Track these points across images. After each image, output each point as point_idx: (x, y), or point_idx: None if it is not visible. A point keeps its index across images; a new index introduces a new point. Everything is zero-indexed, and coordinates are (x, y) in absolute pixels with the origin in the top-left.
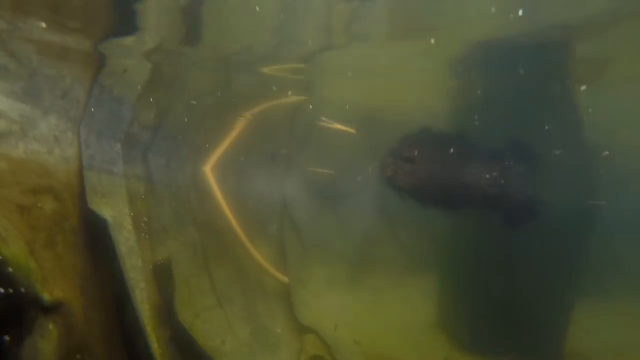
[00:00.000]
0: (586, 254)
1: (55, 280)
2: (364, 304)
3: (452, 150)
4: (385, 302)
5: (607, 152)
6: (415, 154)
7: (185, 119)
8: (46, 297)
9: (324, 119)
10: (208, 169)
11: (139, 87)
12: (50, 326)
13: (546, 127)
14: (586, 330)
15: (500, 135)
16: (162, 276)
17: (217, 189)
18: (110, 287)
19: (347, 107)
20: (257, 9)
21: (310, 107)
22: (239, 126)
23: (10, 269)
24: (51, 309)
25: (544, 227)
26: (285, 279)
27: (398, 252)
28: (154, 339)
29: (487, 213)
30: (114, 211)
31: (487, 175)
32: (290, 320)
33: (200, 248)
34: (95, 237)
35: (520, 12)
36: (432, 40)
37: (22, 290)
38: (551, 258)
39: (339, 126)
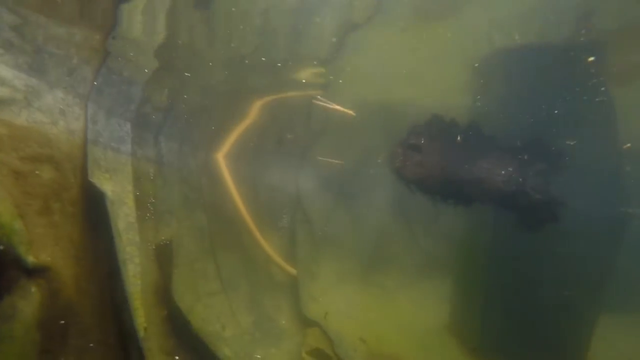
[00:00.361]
0: (612, 264)
1: (45, 246)
2: (374, 302)
3: (465, 142)
4: (396, 302)
5: (629, 145)
6: (422, 141)
7: (199, 104)
8: (30, 259)
9: (320, 97)
10: (220, 156)
11: (150, 68)
12: (33, 289)
13: (574, 126)
14: (610, 344)
15: (521, 131)
16: (164, 256)
17: (229, 177)
18: (107, 262)
19: (364, 99)
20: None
21: (319, 96)
22: (253, 114)
23: None
24: (35, 272)
25: (565, 231)
26: (293, 271)
27: (413, 250)
28: (142, 314)
29: (502, 212)
30: (115, 187)
31: (503, 171)
32: (296, 313)
33: (207, 234)
34: (96, 211)
35: None
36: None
37: (1, 247)
38: (572, 265)
39: (337, 107)
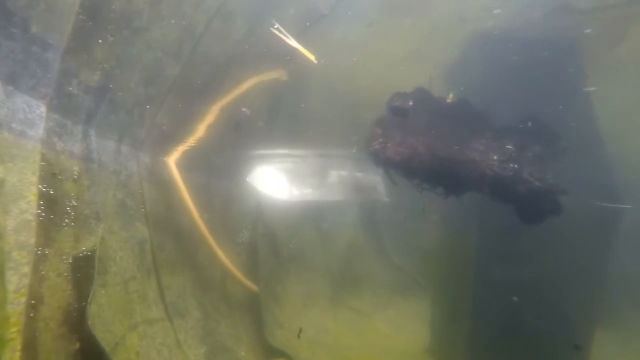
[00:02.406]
0: (608, 271)
1: None
2: (347, 326)
3: (454, 117)
4: (371, 325)
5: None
6: (410, 104)
7: (143, 93)
8: None
9: (277, 25)
10: (170, 159)
11: (71, 29)
12: None
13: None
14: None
15: (511, 112)
16: (83, 273)
17: (180, 183)
18: None
19: (334, 84)
20: None
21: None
22: (210, 112)
23: None
24: None
25: (565, 227)
26: (254, 288)
27: (386, 267)
28: (18, 346)
29: (489, 211)
30: (10, 175)
31: (495, 157)
32: (257, 342)
33: (149, 248)
34: None
35: None
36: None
37: None
38: (569, 272)
39: (296, 44)
